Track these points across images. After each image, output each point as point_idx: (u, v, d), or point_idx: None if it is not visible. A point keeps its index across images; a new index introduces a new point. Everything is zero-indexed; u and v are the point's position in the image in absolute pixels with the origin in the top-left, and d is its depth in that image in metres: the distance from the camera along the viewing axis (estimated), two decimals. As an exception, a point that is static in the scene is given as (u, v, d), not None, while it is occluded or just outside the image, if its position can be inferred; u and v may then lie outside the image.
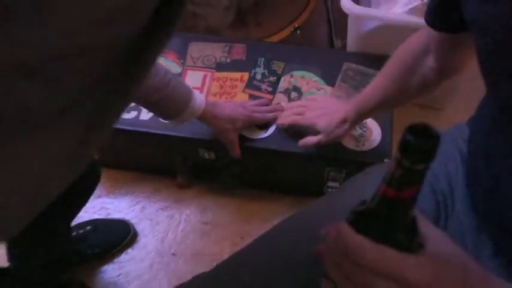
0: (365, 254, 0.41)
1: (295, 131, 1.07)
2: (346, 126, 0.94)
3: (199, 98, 0.97)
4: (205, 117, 0.99)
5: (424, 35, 0.77)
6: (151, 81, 0.88)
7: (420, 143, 0.37)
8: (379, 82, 0.87)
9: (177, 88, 0.92)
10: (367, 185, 0.73)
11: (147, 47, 0.40)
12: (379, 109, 0.89)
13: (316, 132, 1.00)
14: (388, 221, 0.44)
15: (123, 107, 0.46)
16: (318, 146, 1.01)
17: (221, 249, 1.22)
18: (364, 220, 0.45)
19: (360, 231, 0.43)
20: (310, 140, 1.01)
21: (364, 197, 0.46)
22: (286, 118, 1.08)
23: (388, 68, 0.84)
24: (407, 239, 0.44)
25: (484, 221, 0.64)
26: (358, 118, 0.93)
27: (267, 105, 1.14)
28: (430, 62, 0.77)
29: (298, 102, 1.11)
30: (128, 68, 0.40)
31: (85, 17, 0.30)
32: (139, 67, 0.41)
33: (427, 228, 0.44)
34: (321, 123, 0.98)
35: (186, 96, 0.95)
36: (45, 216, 0.89)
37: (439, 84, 0.79)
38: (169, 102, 0.92)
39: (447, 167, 0.71)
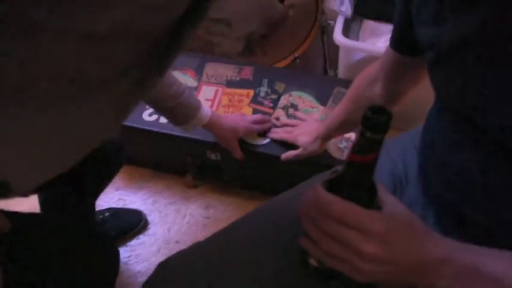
0: (333, 207, 0.50)
1: (283, 142, 1.27)
2: (318, 142, 1.16)
3: (206, 108, 1.15)
4: (211, 126, 1.17)
5: (377, 65, 0.90)
6: (169, 89, 1.06)
7: (378, 118, 0.47)
8: (342, 105, 1.03)
9: (189, 98, 1.10)
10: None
11: (180, 35, 0.47)
12: (344, 127, 1.07)
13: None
14: (353, 182, 0.53)
15: (155, 84, 0.54)
16: (297, 159, 1.21)
17: (220, 240, 1.39)
18: (335, 183, 0.55)
19: (331, 192, 0.53)
20: (291, 153, 1.23)
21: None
22: (276, 134, 1.29)
23: (349, 93, 1.00)
24: (368, 199, 0.53)
25: (430, 200, 0.75)
26: (328, 136, 1.14)
27: (263, 119, 1.32)
28: (377, 89, 0.90)
29: (291, 121, 1.31)
30: (167, 48, 0.48)
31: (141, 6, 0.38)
32: (175, 48, 0.49)
33: (384, 195, 0.54)
34: (301, 140, 1.21)
35: (196, 105, 1.12)
36: (78, 190, 1.06)
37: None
38: (183, 108, 1.10)
39: (404, 156, 0.86)
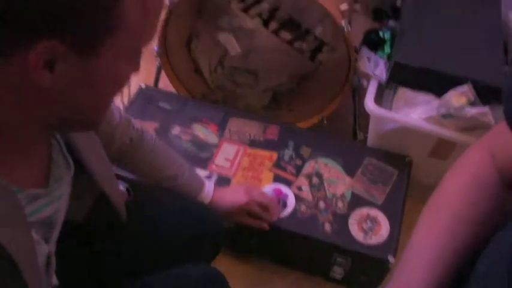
0: None
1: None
2: None
3: (208, 187, 1.08)
4: (211, 205, 1.09)
5: (488, 158, 0.66)
6: (163, 172, 1.03)
7: None
8: (439, 234, 0.64)
9: (190, 179, 1.06)
10: None
11: None
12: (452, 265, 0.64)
13: None
14: None
15: None
16: None
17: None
18: None
19: None
20: None
21: None
22: None
23: (450, 210, 0.65)
24: None
25: None
26: None
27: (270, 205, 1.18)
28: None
29: None
30: None
31: None
32: None
33: None
34: None
35: (198, 186, 1.07)
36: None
37: None
38: (181, 189, 1.05)
39: None
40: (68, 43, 0.48)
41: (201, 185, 1.08)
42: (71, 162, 0.71)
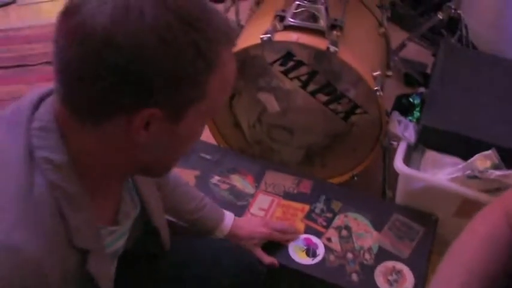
0: None
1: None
2: None
3: (227, 219, 1.18)
4: (229, 237, 1.18)
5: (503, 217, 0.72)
6: (187, 205, 1.12)
7: None
8: None
9: (211, 211, 1.16)
10: None
11: None
12: None
13: None
14: None
15: None
16: None
17: None
18: None
19: None
20: None
21: None
22: None
23: (470, 268, 0.72)
24: None
25: None
26: None
27: (284, 229, 1.31)
28: None
29: None
30: None
31: None
32: None
33: None
34: None
35: (217, 218, 1.17)
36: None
37: None
38: (202, 223, 1.15)
39: None
40: (165, 109, 0.59)
41: (222, 215, 1.18)
42: (137, 200, 0.82)
